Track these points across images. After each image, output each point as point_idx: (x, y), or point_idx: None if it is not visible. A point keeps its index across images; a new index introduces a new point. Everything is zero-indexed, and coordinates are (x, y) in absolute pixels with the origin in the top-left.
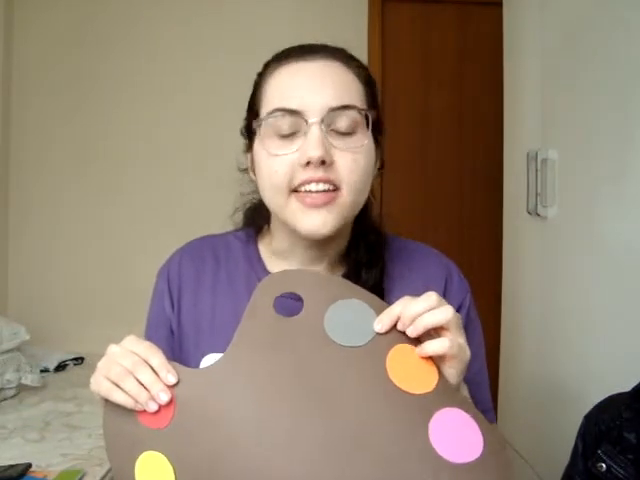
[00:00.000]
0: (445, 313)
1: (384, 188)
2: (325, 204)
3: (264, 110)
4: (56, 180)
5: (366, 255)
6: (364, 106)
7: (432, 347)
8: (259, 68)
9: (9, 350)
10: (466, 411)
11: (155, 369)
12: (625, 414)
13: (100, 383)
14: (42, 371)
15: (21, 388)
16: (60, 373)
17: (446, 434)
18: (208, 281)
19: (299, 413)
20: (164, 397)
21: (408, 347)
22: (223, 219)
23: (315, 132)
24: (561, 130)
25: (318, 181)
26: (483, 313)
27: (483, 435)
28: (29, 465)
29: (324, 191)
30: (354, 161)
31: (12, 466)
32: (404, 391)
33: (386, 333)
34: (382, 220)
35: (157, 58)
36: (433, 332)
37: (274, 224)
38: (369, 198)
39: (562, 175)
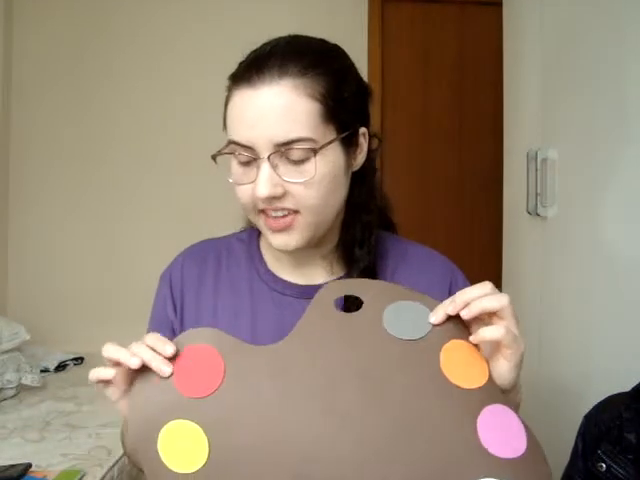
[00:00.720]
0: (500, 299)
1: (384, 188)
2: (286, 227)
3: (227, 131)
4: (56, 180)
5: (360, 233)
6: (317, 127)
7: (487, 333)
8: None
9: (9, 350)
10: (511, 409)
11: (151, 346)
12: (625, 414)
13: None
14: (42, 371)
15: (21, 388)
16: (60, 373)
17: (493, 429)
18: (210, 282)
19: (352, 401)
20: (167, 369)
21: (462, 343)
22: (225, 220)
23: (264, 170)
24: (561, 130)
25: (275, 209)
26: None
27: (527, 433)
28: (29, 465)
29: (283, 216)
30: (306, 188)
31: (12, 466)
32: (456, 385)
33: (441, 326)
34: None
35: (158, 58)
36: (488, 319)
37: None
38: (370, 177)
39: (562, 175)
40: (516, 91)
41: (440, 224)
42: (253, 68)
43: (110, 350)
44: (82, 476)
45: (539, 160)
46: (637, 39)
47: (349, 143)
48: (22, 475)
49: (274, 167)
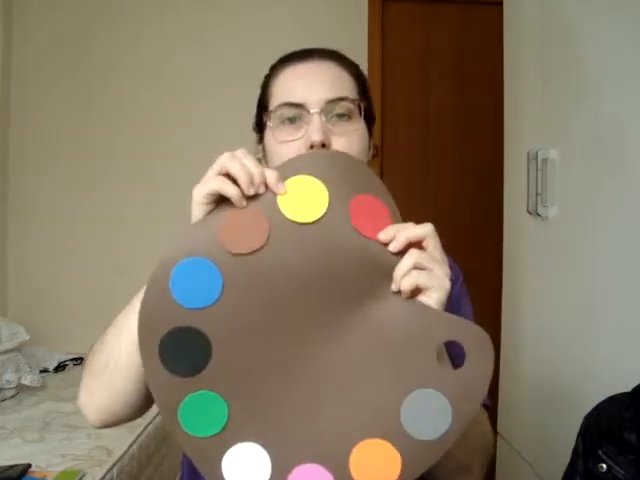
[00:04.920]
0: (424, 227)
1: None
2: None
3: (272, 105)
4: (57, 181)
5: None
6: (356, 97)
7: (402, 277)
8: (260, 69)
9: (9, 350)
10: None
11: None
12: (625, 414)
13: (210, 179)
14: (42, 371)
15: (21, 388)
16: (60, 373)
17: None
18: None
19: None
20: (281, 186)
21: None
22: None
23: (316, 120)
24: (561, 130)
25: None
26: (483, 313)
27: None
28: (29, 465)
29: None
30: (348, 143)
31: (12, 466)
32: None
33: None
34: None
35: (159, 58)
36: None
37: None
38: None
39: (562, 175)
40: (516, 91)
41: (440, 224)
42: (298, 53)
43: (231, 163)
44: (82, 476)
45: (539, 160)
46: (637, 39)
47: (369, 132)
48: (22, 475)
49: (323, 121)
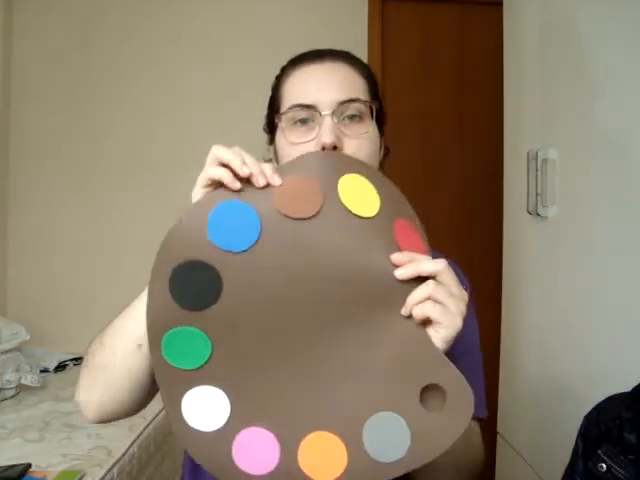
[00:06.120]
0: (437, 264)
1: None
2: None
3: (283, 107)
4: (56, 181)
5: None
6: (367, 98)
7: (415, 304)
8: (260, 68)
9: (9, 350)
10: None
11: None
12: (625, 414)
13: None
14: (42, 371)
15: (21, 388)
16: (60, 373)
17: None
18: None
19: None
20: (277, 179)
21: None
22: None
23: (328, 122)
24: (561, 130)
25: None
26: (483, 313)
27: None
28: (29, 465)
29: None
30: (359, 146)
31: (12, 466)
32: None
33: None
34: None
35: (159, 57)
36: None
37: None
38: None
39: (562, 175)
40: (516, 91)
41: (440, 224)
42: (309, 54)
43: (221, 150)
44: (82, 476)
45: (539, 160)
46: (637, 39)
47: (380, 132)
48: (22, 475)
49: (335, 123)
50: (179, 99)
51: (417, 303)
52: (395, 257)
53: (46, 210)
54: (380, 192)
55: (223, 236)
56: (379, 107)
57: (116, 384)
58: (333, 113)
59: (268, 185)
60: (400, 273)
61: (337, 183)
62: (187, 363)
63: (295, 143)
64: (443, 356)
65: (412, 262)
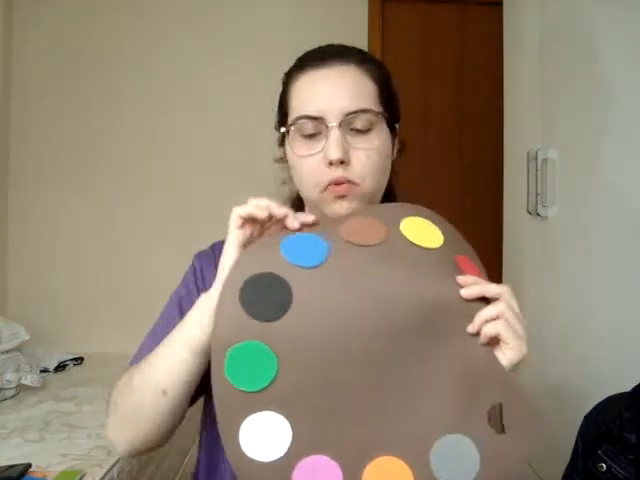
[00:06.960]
0: (500, 288)
1: (398, 189)
2: (347, 192)
3: (290, 117)
4: (56, 180)
5: None
6: (378, 106)
7: (485, 315)
8: (260, 69)
9: (9, 350)
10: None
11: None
12: (625, 414)
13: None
14: (42, 371)
15: (21, 388)
16: (60, 373)
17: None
18: None
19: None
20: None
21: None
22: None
23: (335, 135)
24: (561, 130)
25: (338, 180)
26: None
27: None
28: (29, 465)
29: (345, 181)
30: (367, 159)
31: (12, 466)
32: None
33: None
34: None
35: (158, 57)
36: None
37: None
38: (391, 178)
39: (562, 175)
40: (516, 91)
41: None
42: (316, 56)
43: (239, 209)
44: (82, 476)
45: (539, 160)
46: (637, 39)
47: (393, 133)
48: (22, 475)
49: (342, 135)
50: (181, 100)
51: (487, 320)
52: (461, 278)
53: (46, 210)
54: (442, 231)
55: (294, 254)
56: (390, 110)
57: (146, 428)
58: (340, 124)
59: (303, 226)
60: (466, 291)
61: (400, 222)
62: (250, 384)
63: (302, 156)
64: (511, 375)
65: (477, 284)
